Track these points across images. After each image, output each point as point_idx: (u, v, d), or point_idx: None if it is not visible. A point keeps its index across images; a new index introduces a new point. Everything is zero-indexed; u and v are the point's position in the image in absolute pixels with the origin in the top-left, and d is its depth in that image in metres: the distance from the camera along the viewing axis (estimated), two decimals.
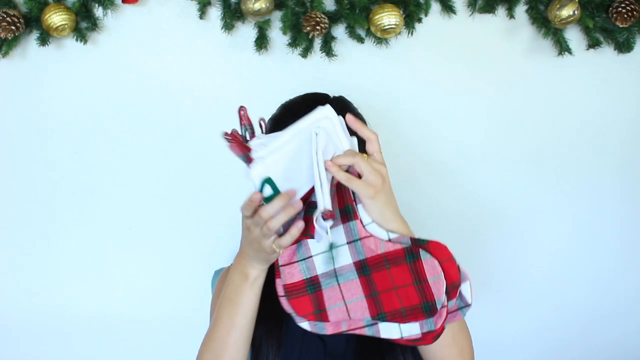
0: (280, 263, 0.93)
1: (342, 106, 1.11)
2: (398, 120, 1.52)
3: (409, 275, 0.86)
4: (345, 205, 0.89)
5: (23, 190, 1.51)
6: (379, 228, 0.89)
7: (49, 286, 1.55)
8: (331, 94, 1.10)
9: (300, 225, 0.87)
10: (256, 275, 0.95)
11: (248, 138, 0.88)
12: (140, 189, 1.53)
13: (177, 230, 1.55)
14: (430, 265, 0.85)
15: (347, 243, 0.90)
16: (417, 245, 0.86)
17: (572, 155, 1.58)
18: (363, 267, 0.89)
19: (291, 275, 0.92)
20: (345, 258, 0.90)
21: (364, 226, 0.89)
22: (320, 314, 0.91)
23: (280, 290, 0.94)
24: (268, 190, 0.86)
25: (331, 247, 0.91)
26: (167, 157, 1.52)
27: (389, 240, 0.88)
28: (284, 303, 0.93)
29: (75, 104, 1.49)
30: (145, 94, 1.49)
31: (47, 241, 1.53)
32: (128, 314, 1.57)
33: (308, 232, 0.86)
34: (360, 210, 0.89)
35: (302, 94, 1.12)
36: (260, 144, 0.87)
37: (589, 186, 1.60)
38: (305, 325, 0.92)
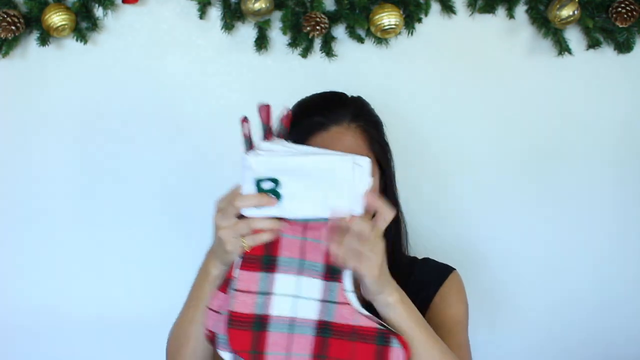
0: (235, 286, 0.86)
1: (359, 106, 1.11)
2: (398, 120, 1.51)
3: (373, 356, 0.84)
4: (333, 264, 0.86)
5: (22, 190, 1.51)
6: (356, 299, 0.87)
7: (48, 286, 1.54)
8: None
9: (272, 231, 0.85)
10: (217, 274, 0.95)
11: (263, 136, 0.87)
12: (140, 189, 1.53)
13: (177, 230, 1.55)
14: (396, 356, 0.84)
15: (320, 300, 0.87)
16: (389, 331, 0.85)
17: (572, 155, 1.58)
18: (324, 329, 0.86)
19: (244, 304, 0.85)
20: (309, 312, 0.86)
21: (344, 292, 0.87)
22: (256, 356, 0.85)
23: (214, 305, 0.91)
24: (267, 185, 0.84)
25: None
26: (167, 156, 1.52)
27: (363, 314, 0.86)
28: (218, 324, 0.89)
29: (76, 104, 1.49)
30: (145, 94, 1.49)
31: (47, 241, 1.53)
32: (128, 314, 1.56)
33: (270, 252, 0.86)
34: (345, 275, 0.87)
35: (319, 92, 1.12)
36: (270, 146, 0.85)
37: (589, 186, 1.59)
38: (226, 356, 0.88)
